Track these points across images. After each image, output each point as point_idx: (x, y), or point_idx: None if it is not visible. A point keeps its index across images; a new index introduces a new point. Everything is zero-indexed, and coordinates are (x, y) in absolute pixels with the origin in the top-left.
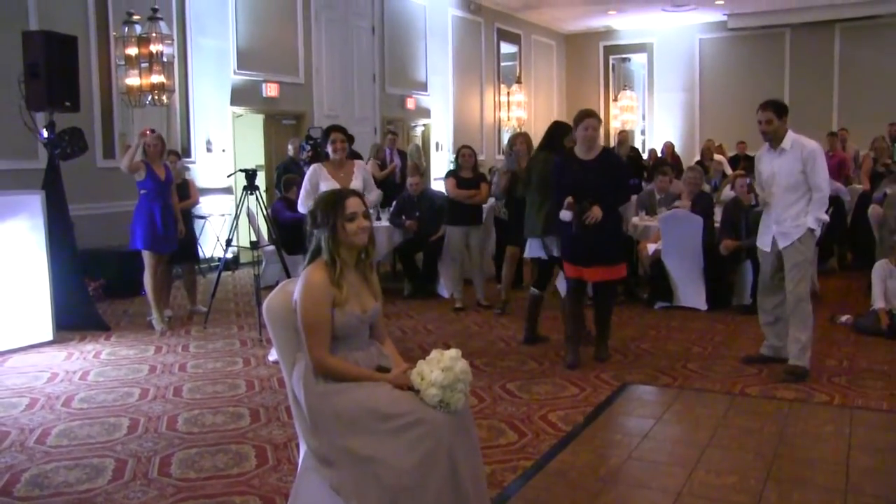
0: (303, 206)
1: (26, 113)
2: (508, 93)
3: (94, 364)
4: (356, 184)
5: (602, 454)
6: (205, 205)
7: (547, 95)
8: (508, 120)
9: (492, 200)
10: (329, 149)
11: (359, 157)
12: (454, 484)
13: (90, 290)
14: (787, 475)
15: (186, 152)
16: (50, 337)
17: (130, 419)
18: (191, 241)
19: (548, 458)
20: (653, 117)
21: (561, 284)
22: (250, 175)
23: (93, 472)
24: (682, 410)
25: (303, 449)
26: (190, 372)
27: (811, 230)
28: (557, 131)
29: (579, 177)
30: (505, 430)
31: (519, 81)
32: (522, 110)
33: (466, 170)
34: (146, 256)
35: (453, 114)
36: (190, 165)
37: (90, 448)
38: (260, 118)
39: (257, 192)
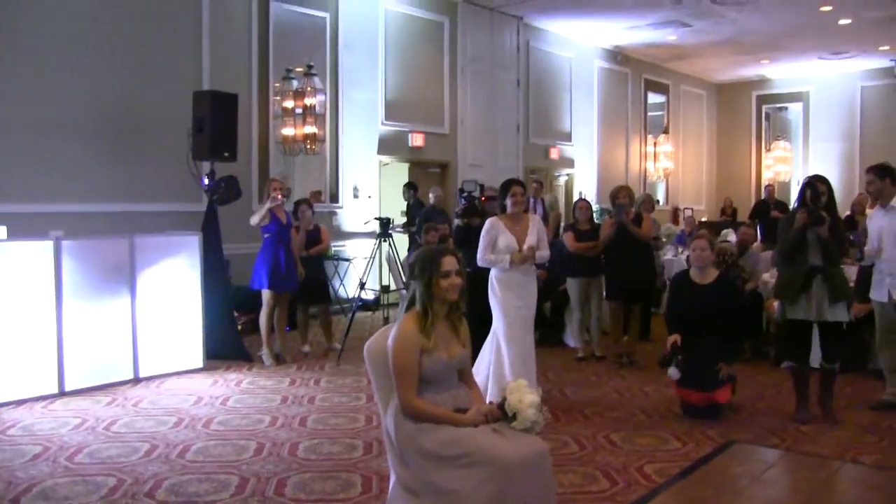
0: (482, 260)
1: (192, 162)
2: (655, 143)
3: (234, 391)
4: (531, 238)
5: None
6: (350, 248)
7: (696, 145)
8: (655, 170)
9: None
10: (509, 202)
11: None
12: None
13: (239, 324)
14: None
15: (335, 198)
16: (200, 364)
17: (258, 443)
18: (323, 283)
19: None
20: (807, 168)
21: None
22: (384, 223)
23: (219, 486)
24: (783, 472)
25: (392, 479)
26: (317, 404)
27: None
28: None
29: (690, 304)
30: (599, 478)
31: (666, 132)
32: (669, 161)
33: (584, 222)
34: (266, 296)
35: (597, 164)
36: (337, 210)
37: (220, 465)
38: (405, 166)
39: (391, 239)
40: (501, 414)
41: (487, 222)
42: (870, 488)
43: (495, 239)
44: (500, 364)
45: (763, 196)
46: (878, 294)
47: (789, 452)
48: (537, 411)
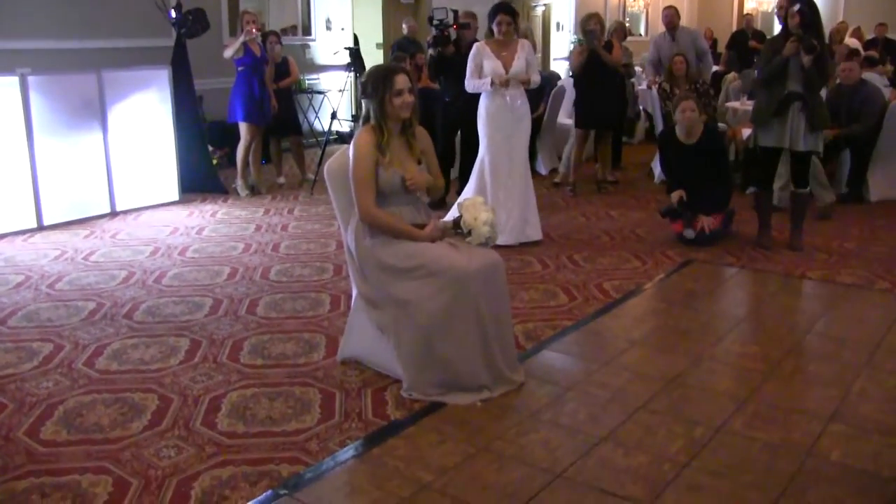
0: (468, 85)
1: None
2: None
3: (209, 222)
4: (519, 63)
5: (641, 319)
6: (324, 80)
7: None
8: (635, 1)
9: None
10: (495, 29)
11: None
12: (479, 327)
13: (215, 158)
14: (813, 350)
15: (307, 30)
16: (176, 197)
17: (231, 268)
18: (294, 116)
19: (589, 319)
20: None
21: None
22: (354, 53)
23: (194, 308)
24: (734, 287)
25: (354, 293)
26: (290, 231)
27: None
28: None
29: (680, 162)
30: (558, 293)
31: None
32: None
33: None
34: (244, 129)
35: None
36: (310, 43)
37: (194, 289)
38: None
39: (363, 69)
40: (457, 230)
41: (474, 47)
42: (810, 298)
43: (481, 63)
44: (482, 193)
45: (742, 26)
46: None
47: (743, 269)
48: (491, 227)
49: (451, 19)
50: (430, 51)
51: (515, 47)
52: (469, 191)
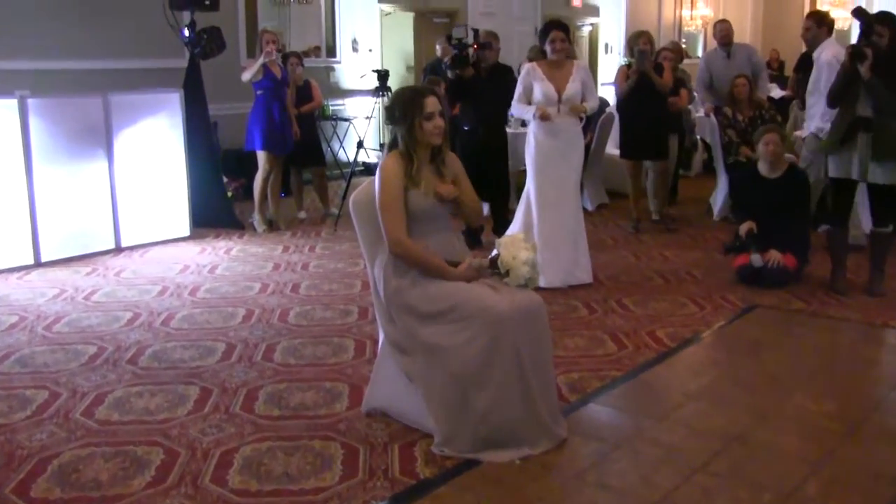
0: (515, 109)
1: (169, 12)
2: None
3: (223, 259)
4: (573, 86)
5: (698, 371)
6: (349, 106)
7: None
8: (692, 19)
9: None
10: (548, 48)
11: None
12: (519, 374)
13: (230, 190)
14: None
15: (332, 52)
16: (187, 232)
17: (246, 310)
18: (316, 144)
19: (640, 370)
20: (872, 10)
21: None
22: (382, 76)
23: (205, 352)
24: (806, 336)
25: (381, 337)
26: (311, 271)
27: None
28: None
29: (759, 197)
30: (606, 341)
31: None
32: (709, 8)
33: None
34: (262, 158)
35: (626, 12)
36: (335, 66)
37: (206, 332)
38: (410, 16)
39: (388, 94)
40: (494, 270)
41: (524, 68)
42: (894, 349)
43: (531, 87)
44: (528, 229)
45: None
46: None
47: (815, 317)
48: (531, 268)
49: (471, 39)
50: (449, 73)
51: (570, 68)
52: (515, 227)
